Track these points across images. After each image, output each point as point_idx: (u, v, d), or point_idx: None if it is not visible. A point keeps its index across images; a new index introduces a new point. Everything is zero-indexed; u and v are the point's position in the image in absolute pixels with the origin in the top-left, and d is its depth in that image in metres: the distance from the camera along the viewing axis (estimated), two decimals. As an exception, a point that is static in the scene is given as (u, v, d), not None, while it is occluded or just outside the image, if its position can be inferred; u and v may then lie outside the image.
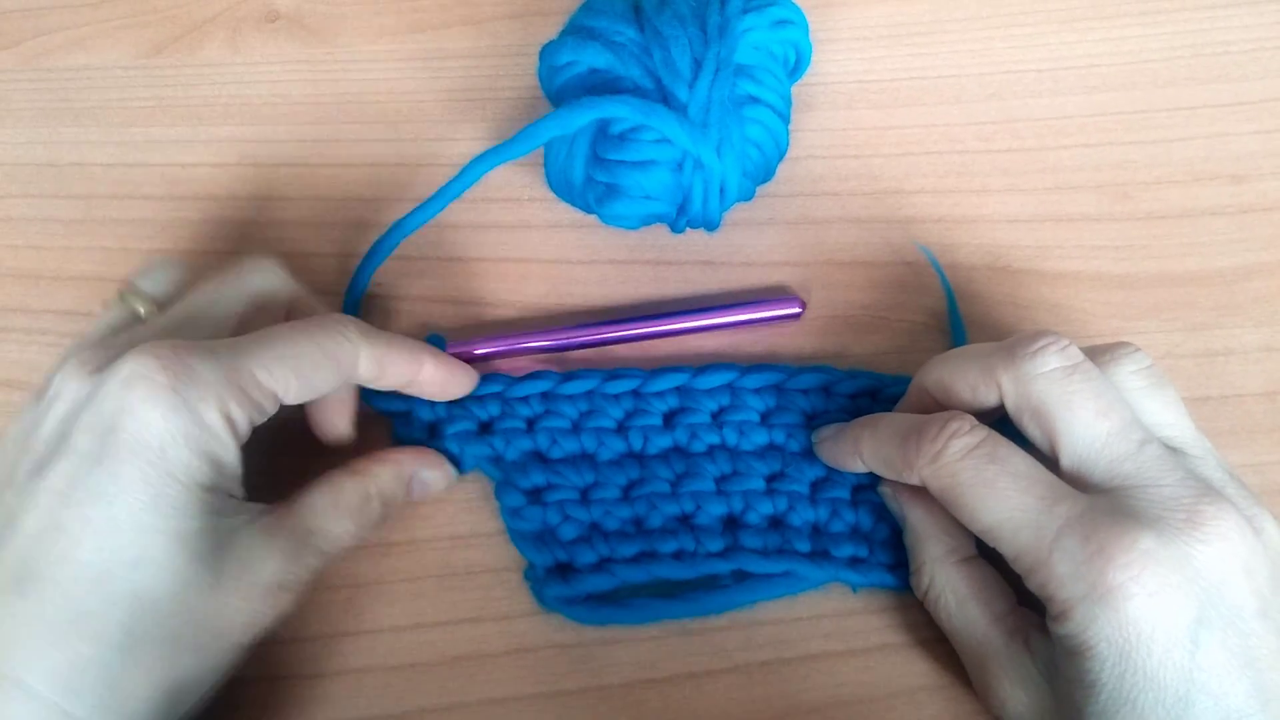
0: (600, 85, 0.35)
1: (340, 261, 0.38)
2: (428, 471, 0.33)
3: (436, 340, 0.35)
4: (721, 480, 0.33)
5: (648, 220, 0.36)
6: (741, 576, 0.32)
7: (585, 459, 0.34)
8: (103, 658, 0.25)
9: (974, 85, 0.41)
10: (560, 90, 0.36)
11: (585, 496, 0.33)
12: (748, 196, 0.37)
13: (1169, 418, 0.29)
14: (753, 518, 0.33)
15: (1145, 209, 0.39)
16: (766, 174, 0.37)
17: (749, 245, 0.38)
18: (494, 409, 0.34)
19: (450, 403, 0.34)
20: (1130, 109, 0.41)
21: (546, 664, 0.32)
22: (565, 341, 0.36)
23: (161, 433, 0.26)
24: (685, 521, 0.33)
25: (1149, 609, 0.25)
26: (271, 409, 0.28)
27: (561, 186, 0.37)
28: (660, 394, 0.34)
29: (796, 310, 0.36)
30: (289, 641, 0.32)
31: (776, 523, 0.33)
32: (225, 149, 0.40)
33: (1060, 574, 0.26)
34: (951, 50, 0.42)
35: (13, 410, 0.36)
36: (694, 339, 0.37)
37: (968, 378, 0.29)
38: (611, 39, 0.34)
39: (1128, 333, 0.36)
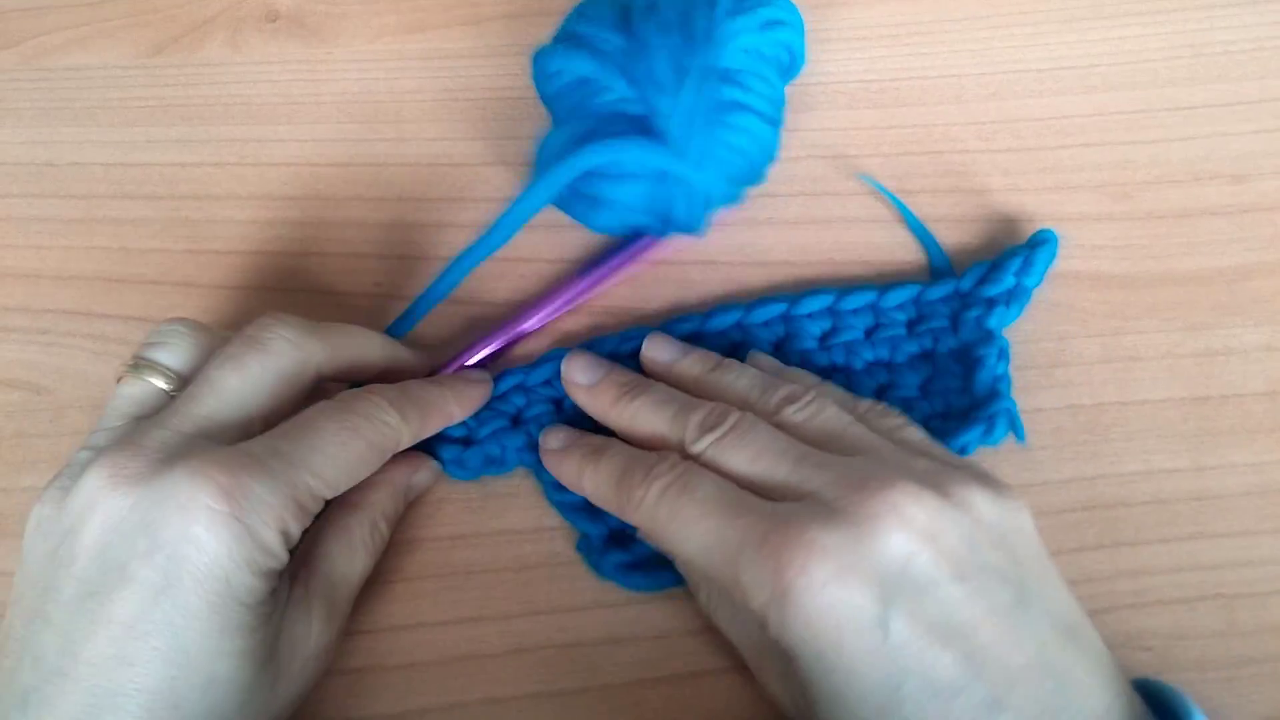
0: (588, 96, 0.35)
1: (342, 261, 0.38)
2: (418, 476, 0.33)
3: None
4: None
5: (634, 229, 0.36)
6: None
7: None
8: None
9: (974, 85, 0.41)
10: (554, 96, 0.36)
11: None
12: (734, 200, 0.37)
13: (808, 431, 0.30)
14: None
15: (1145, 209, 0.39)
16: (753, 178, 0.37)
17: (749, 245, 0.38)
18: (519, 400, 0.34)
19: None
20: (1130, 109, 0.41)
21: (546, 664, 0.32)
22: (526, 326, 0.36)
23: (227, 562, 0.25)
24: None
25: (826, 602, 0.24)
26: (319, 509, 0.28)
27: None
28: None
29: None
30: (289, 641, 0.32)
31: None
32: (225, 149, 0.41)
33: (745, 583, 0.25)
34: (952, 50, 0.42)
35: (12, 410, 0.36)
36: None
37: (657, 443, 0.31)
38: (598, 47, 0.34)
39: (1128, 332, 0.36)
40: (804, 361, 0.35)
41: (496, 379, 0.35)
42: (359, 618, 0.33)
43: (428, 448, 0.34)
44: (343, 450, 0.28)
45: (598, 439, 0.32)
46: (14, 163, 0.40)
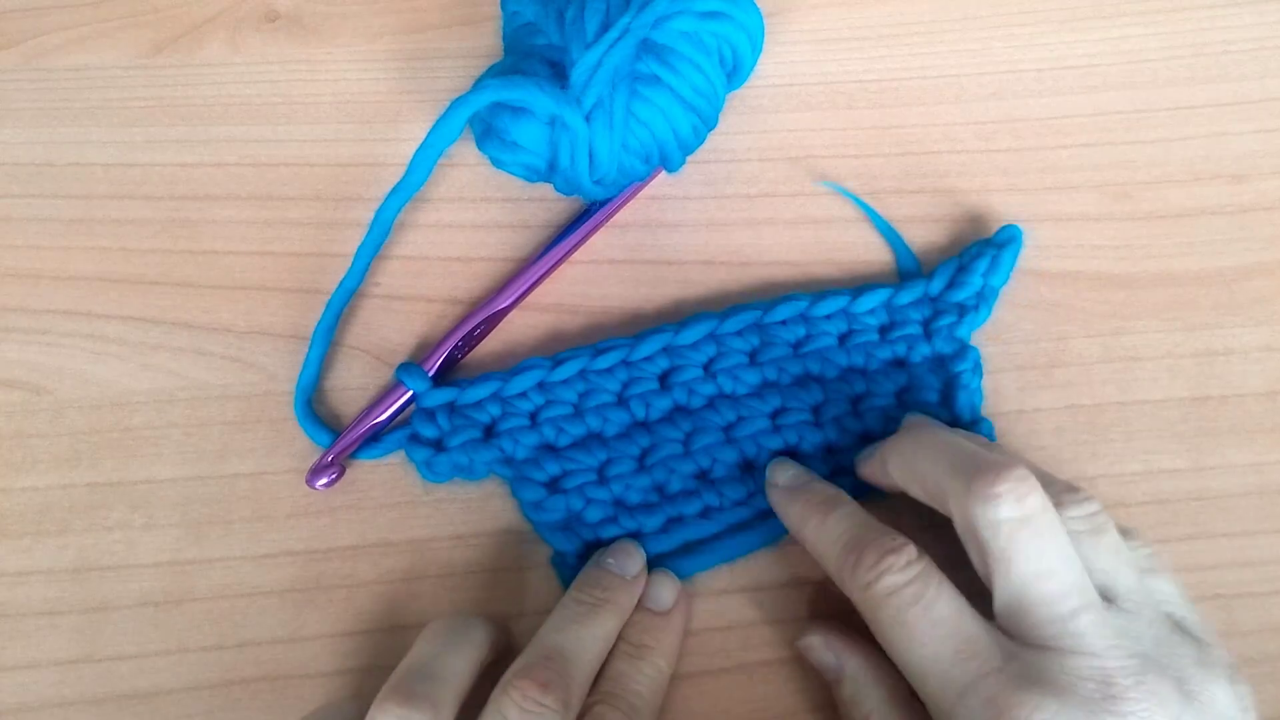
0: (527, 37, 0.36)
1: (343, 262, 0.38)
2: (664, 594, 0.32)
3: (408, 367, 0.35)
4: (728, 429, 0.34)
5: (528, 170, 0.36)
6: (767, 516, 0.33)
7: (594, 438, 0.34)
8: None
9: (974, 85, 0.41)
10: (508, 36, 0.37)
11: (602, 475, 0.33)
12: (637, 176, 0.37)
13: (1106, 564, 0.27)
14: (765, 457, 0.34)
15: (1145, 208, 0.39)
16: (665, 160, 0.37)
17: (749, 245, 0.38)
18: (494, 410, 0.34)
19: (452, 413, 0.34)
20: (1130, 108, 0.41)
21: (546, 664, 0.32)
22: (519, 291, 0.36)
23: None
24: (704, 478, 0.34)
25: None
26: None
27: None
28: (649, 358, 0.35)
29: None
30: (289, 641, 0.32)
31: (789, 454, 0.34)
32: (225, 149, 0.41)
33: None
34: (951, 50, 0.42)
35: (12, 410, 0.36)
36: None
37: (922, 488, 0.29)
38: None
39: (1127, 332, 0.36)
40: (780, 369, 0.35)
41: (472, 383, 0.34)
42: (360, 618, 0.33)
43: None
44: None
45: (829, 489, 0.31)
46: (13, 163, 0.40)
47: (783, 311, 0.35)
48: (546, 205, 0.39)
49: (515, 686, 0.28)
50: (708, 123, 0.37)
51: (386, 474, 0.35)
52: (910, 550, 0.28)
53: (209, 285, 0.38)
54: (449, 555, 0.34)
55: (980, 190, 0.39)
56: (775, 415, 0.34)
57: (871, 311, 0.36)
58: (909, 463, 0.30)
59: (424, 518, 0.34)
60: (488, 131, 0.35)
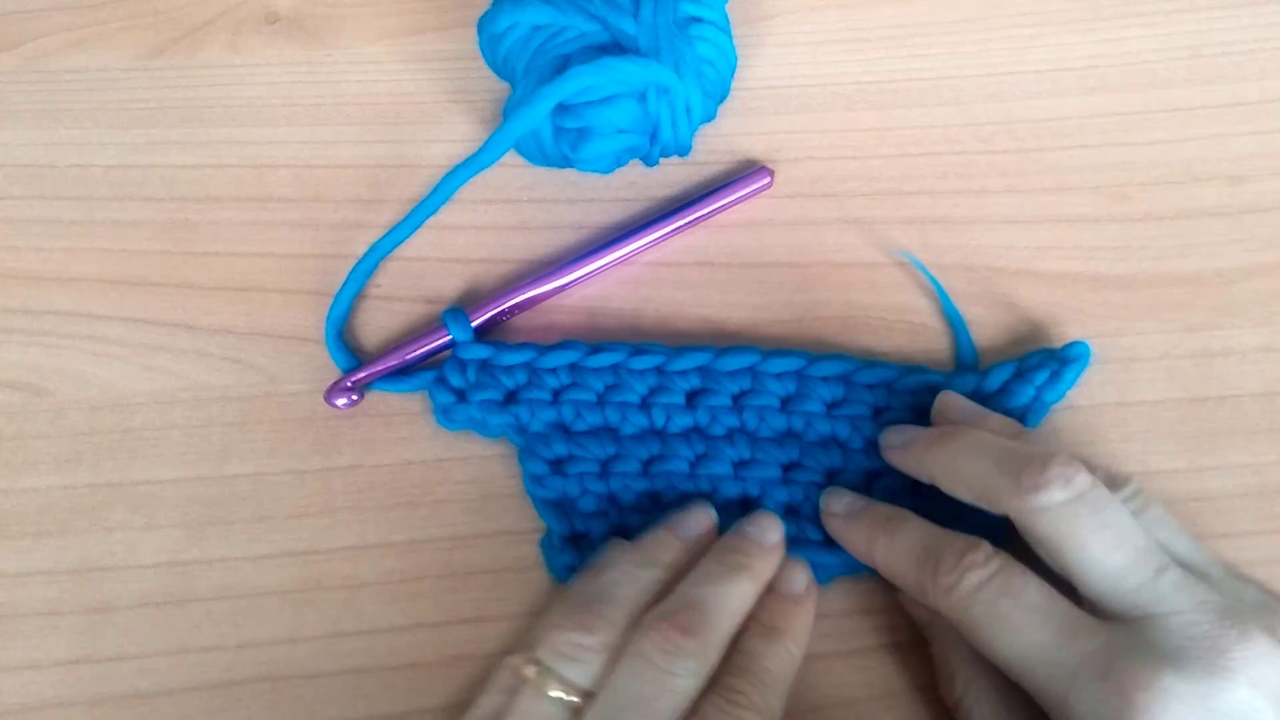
0: (546, 42, 0.35)
1: (342, 263, 0.38)
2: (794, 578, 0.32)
3: (456, 313, 0.35)
4: (739, 465, 0.34)
5: (622, 157, 0.36)
6: None
7: (608, 431, 0.34)
8: None
9: (972, 86, 0.41)
10: (506, 57, 0.37)
11: (605, 469, 0.34)
12: (710, 117, 0.38)
13: (1160, 534, 0.28)
14: (768, 505, 0.33)
15: (1143, 210, 0.39)
16: (722, 91, 0.38)
17: (749, 246, 0.38)
18: (521, 378, 0.34)
19: (480, 370, 0.34)
20: (1128, 110, 0.41)
21: (546, 664, 0.32)
22: (570, 279, 0.37)
23: None
24: None
25: None
26: None
27: (532, 150, 0.37)
28: (683, 373, 0.34)
29: (767, 180, 0.38)
30: (289, 641, 0.32)
31: (792, 510, 0.33)
32: (225, 150, 0.41)
33: (1078, 710, 0.25)
34: (950, 52, 0.42)
35: (13, 412, 0.36)
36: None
37: (971, 491, 0.29)
38: None
39: (1126, 333, 0.36)
40: (808, 424, 0.34)
41: (509, 347, 0.34)
42: (360, 618, 0.33)
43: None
44: None
45: (887, 507, 0.31)
46: (15, 164, 0.41)
47: (828, 368, 0.34)
48: (545, 206, 0.39)
49: (655, 629, 0.28)
50: (732, 39, 0.38)
51: (387, 474, 0.35)
52: (986, 546, 0.28)
53: (210, 287, 0.38)
54: (449, 556, 0.34)
55: (979, 192, 0.39)
56: (789, 468, 0.34)
57: (913, 392, 0.34)
58: (952, 466, 0.30)
59: (424, 518, 0.34)
60: (583, 135, 0.35)
